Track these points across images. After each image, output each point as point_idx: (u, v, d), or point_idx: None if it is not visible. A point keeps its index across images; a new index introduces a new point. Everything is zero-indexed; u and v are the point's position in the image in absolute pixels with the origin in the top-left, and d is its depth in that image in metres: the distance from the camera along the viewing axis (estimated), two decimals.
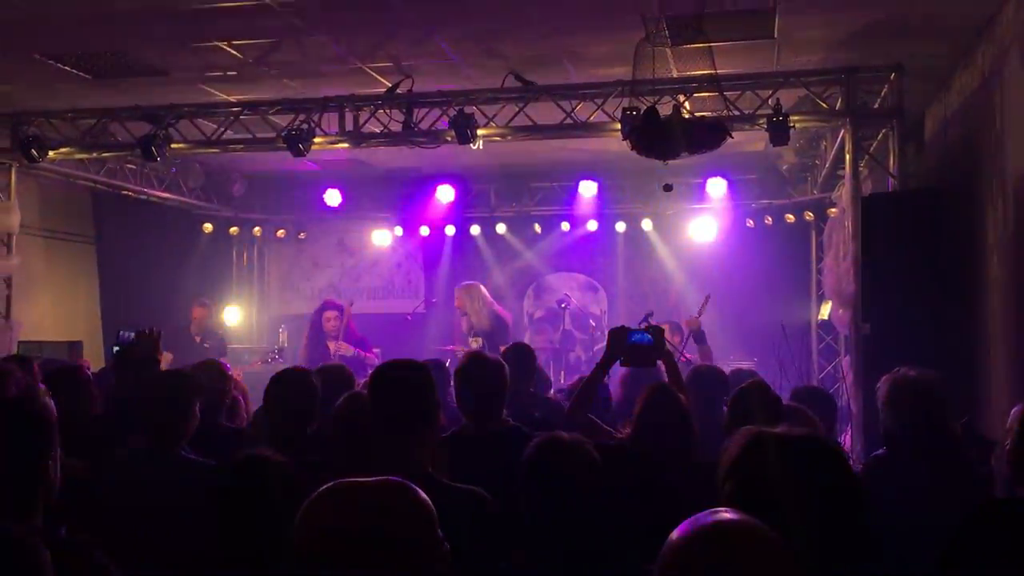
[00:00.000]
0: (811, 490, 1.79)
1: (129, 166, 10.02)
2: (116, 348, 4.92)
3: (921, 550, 2.98)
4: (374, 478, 1.79)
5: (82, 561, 2.11)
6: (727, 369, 6.82)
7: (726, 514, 1.54)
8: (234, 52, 6.90)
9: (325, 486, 1.77)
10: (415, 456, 2.80)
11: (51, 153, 8.34)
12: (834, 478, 1.84)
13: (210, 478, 2.71)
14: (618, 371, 5.90)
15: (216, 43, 6.71)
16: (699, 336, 8.29)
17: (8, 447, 2.22)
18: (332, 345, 9.10)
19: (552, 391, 8.00)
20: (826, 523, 1.76)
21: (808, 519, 1.70)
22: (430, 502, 1.77)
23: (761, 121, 7.04)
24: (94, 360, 9.00)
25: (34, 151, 8.12)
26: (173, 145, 8.14)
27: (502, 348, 8.43)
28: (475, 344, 8.59)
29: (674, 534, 1.52)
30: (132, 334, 4.73)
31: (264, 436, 4.12)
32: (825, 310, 9.60)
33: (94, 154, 8.97)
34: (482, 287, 9.35)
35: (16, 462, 2.20)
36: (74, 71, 7.34)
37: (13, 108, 8.39)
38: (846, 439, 6.64)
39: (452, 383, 4.27)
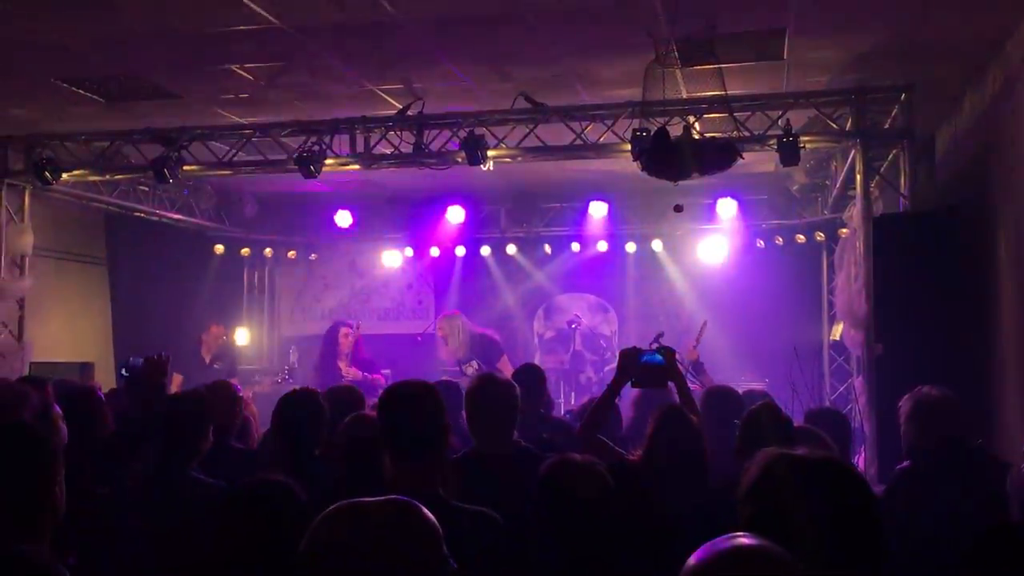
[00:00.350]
0: (831, 513, 1.77)
1: (141, 188, 10.08)
2: (124, 372, 4.94)
3: (944, 561, 2.97)
4: (380, 498, 1.79)
5: None
6: (738, 390, 6.79)
7: (743, 539, 1.53)
8: (246, 75, 6.95)
9: (332, 507, 1.77)
10: (425, 477, 2.79)
11: (64, 175, 8.41)
12: (854, 501, 1.83)
13: (219, 500, 2.71)
14: (629, 393, 5.87)
15: (228, 66, 6.76)
16: (697, 367, 8.07)
17: (14, 471, 2.22)
18: (343, 368, 9.10)
19: (562, 412, 7.99)
20: (845, 546, 1.74)
21: (828, 542, 1.68)
22: (435, 521, 1.77)
23: (771, 142, 7.04)
24: (105, 381, 9.02)
25: (47, 173, 8.19)
26: (185, 167, 8.19)
27: (499, 364, 8.48)
28: (470, 370, 8.59)
29: (691, 559, 1.51)
30: (141, 360, 4.76)
31: (274, 457, 4.12)
32: (837, 331, 9.56)
33: (107, 176, 9.03)
34: (463, 316, 9.43)
35: (23, 486, 2.20)
36: (88, 94, 7.41)
37: (28, 131, 8.47)
38: (860, 460, 6.59)
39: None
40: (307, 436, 4.04)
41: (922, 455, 3.96)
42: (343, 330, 9.44)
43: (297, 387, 4.89)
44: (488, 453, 3.83)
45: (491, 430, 3.88)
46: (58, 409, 4.13)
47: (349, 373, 9.00)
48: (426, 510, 1.78)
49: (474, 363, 8.78)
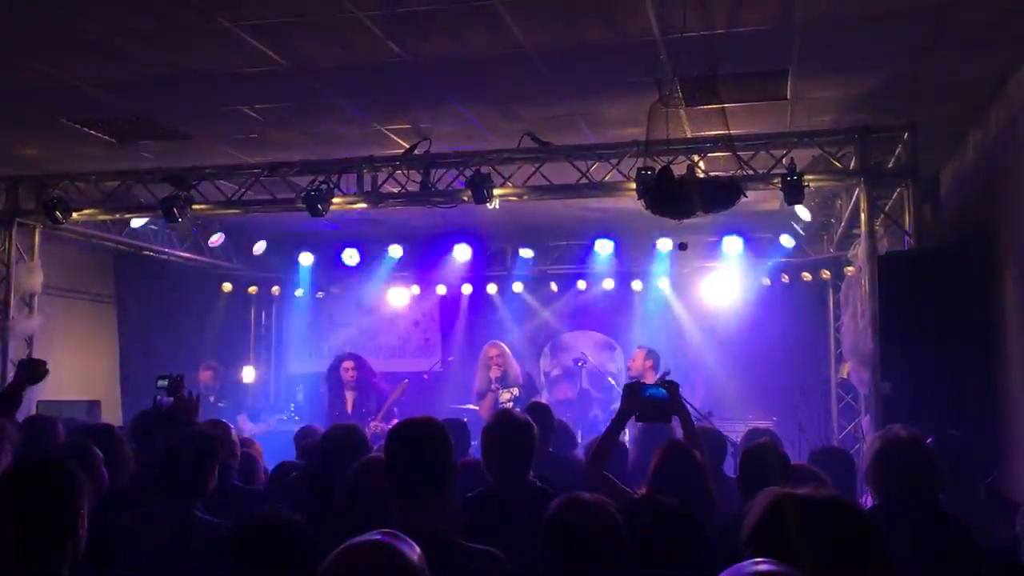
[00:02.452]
0: (836, 550, 1.77)
1: (150, 227, 10.15)
2: (163, 380, 4.95)
3: None
4: (365, 537, 1.84)
5: None
6: (744, 429, 6.77)
7: (765, 565, 1.53)
8: (255, 115, 7.03)
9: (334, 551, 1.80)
10: (430, 516, 2.77)
11: (74, 214, 8.48)
12: (858, 538, 1.82)
13: (227, 538, 2.70)
14: (631, 431, 5.84)
15: (238, 107, 6.85)
16: None
17: (46, 504, 2.26)
18: (373, 425, 9.05)
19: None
20: None
21: None
22: (417, 560, 1.81)
23: (776, 180, 7.07)
24: (112, 420, 9.01)
25: (58, 212, 8.27)
26: (195, 206, 8.26)
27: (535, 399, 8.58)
28: (509, 395, 8.66)
29: None
30: (171, 399, 4.79)
31: (278, 497, 4.11)
32: (844, 369, 9.54)
33: (117, 215, 9.09)
34: None
35: (51, 518, 2.25)
36: (99, 135, 7.50)
37: (39, 170, 8.56)
38: (868, 500, 6.53)
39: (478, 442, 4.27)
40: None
41: (884, 507, 3.58)
42: (344, 364, 9.51)
43: (303, 424, 4.89)
44: (503, 491, 3.79)
45: (506, 468, 3.84)
46: (99, 454, 4.13)
47: (377, 428, 8.94)
48: (407, 548, 1.82)
49: (515, 389, 8.84)
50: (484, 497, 3.81)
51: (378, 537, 1.83)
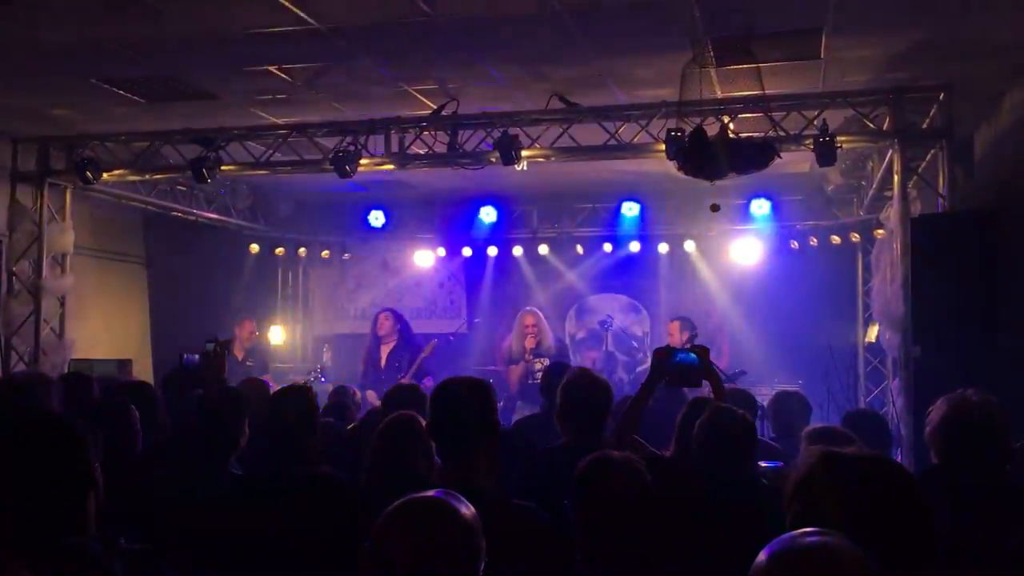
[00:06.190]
0: (878, 509, 1.77)
1: (179, 187, 10.21)
2: (211, 344, 5.03)
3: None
4: (420, 496, 1.87)
5: (150, 572, 2.16)
6: (771, 392, 6.76)
7: (817, 536, 1.52)
8: (283, 76, 7.02)
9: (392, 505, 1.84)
10: (476, 472, 2.81)
11: (105, 175, 8.54)
12: (901, 497, 1.82)
13: (265, 490, 2.73)
14: None
15: (266, 67, 6.84)
16: None
17: (54, 460, 2.25)
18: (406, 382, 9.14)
19: None
20: (894, 542, 1.73)
21: (875, 538, 1.68)
22: (471, 516, 1.85)
23: (808, 142, 6.99)
24: (143, 378, 9.13)
25: (89, 173, 8.33)
26: (223, 167, 8.29)
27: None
28: (541, 365, 8.69)
29: (761, 555, 1.51)
30: (196, 356, 4.86)
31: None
32: (873, 332, 9.48)
33: (146, 176, 9.15)
34: None
35: (63, 473, 2.23)
36: (128, 95, 7.52)
37: (69, 131, 8.62)
38: (900, 457, 6.53)
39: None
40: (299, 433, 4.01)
41: (954, 472, 3.46)
42: (379, 316, 9.79)
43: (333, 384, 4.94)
44: (577, 447, 3.76)
45: (583, 425, 3.92)
46: (136, 412, 4.19)
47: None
48: (462, 507, 1.86)
49: (546, 360, 8.87)
50: (561, 452, 3.84)
51: (434, 494, 1.86)
